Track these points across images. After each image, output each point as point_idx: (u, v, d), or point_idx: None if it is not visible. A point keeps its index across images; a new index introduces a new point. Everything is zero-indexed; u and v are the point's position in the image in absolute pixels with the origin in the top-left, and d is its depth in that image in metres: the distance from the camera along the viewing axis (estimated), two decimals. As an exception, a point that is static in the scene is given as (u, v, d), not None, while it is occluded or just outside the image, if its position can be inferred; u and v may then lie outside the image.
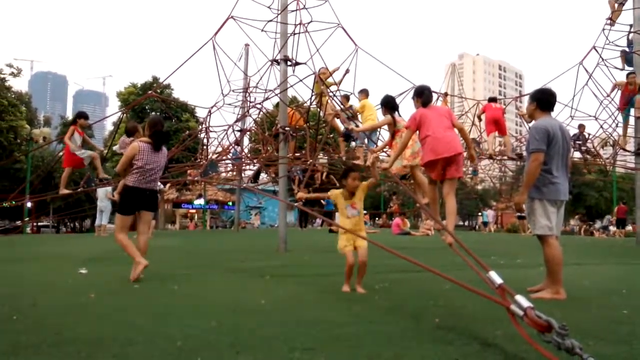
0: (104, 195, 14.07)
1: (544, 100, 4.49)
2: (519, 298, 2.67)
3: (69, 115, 44.92)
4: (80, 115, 9.42)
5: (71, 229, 36.24)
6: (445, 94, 17.60)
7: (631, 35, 12.10)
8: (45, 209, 27.15)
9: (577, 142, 13.40)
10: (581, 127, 13.52)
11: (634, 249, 11.28)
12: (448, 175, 5.39)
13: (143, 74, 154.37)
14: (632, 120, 11.84)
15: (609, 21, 12.41)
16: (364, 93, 10.10)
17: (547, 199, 4.38)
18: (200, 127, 17.28)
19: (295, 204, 8.51)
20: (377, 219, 35.16)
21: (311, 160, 10.58)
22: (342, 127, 11.29)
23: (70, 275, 5.84)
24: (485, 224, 31.12)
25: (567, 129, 4.68)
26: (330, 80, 10.86)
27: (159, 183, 5.92)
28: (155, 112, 30.69)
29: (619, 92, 11.99)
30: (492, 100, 12.78)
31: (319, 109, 11.42)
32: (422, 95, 5.58)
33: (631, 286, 5.09)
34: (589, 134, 13.72)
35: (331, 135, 13.54)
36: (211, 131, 14.06)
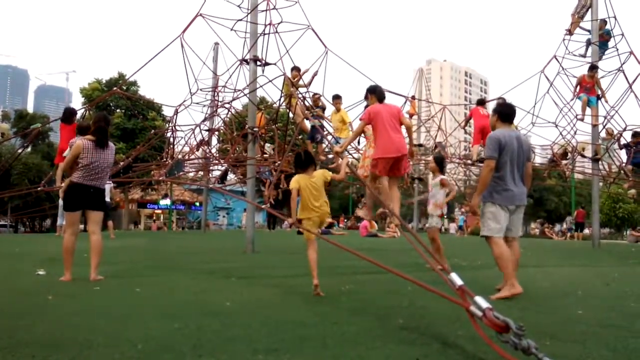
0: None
1: (504, 113, 4.94)
2: (478, 299, 2.74)
3: (30, 111, 43.26)
4: (75, 113, 9.79)
5: (30, 228, 34.97)
6: (413, 97, 17.92)
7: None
8: (2, 208, 26.12)
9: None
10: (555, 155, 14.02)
11: (591, 252, 11.72)
12: (396, 174, 6.07)
13: (108, 70, 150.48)
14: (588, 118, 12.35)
15: (567, 32, 12.89)
16: (340, 99, 10.22)
17: (498, 204, 4.70)
18: (167, 125, 16.98)
19: (263, 205, 8.48)
20: (346, 221, 35.37)
21: (279, 162, 10.54)
22: (309, 127, 11.30)
23: (27, 277, 5.66)
24: (460, 227, 31.67)
25: (526, 139, 5.03)
26: (299, 82, 10.86)
27: (110, 183, 5.88)
28: (121, 110, 30.02)
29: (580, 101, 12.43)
30: (481, 103, 11.64)
31: (288, 110, 11.39)
32: (376, 92, 6.07)
33: (586, 288, 5.29)
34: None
35: (300, 137, 13.53)
36: (178, 130, 13.82)
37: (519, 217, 4.82)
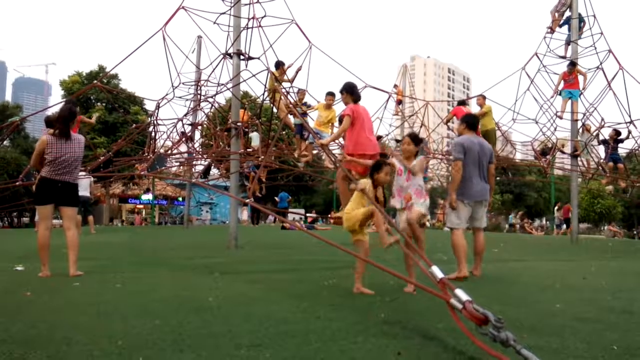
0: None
1: (470, 122, 5.89)
2: (459, 292, 2.77)
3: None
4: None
5: (8, 223, 34.28)
6: (395, 86, 18.10)
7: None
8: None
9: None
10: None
11: (569, 246, 11.93)
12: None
13: (89, 62, 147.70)
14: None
15: (549, 30, 13.06)
16: (334, 97, 10.20)
17: (460, 200, 5.57)
18: (149, 119, 16.76)
19: (247, 200, 8.43)
20: (329, 215, 35.42)
21: (262, 157, 10.50)
22: (294, 123, 11.30)
23: (5, 273, 5.56)
24: None
25: (488, 145, 5.87)
26: (283, 77, 10.82)
27: (90, 177, 5.80)
28: (102, 103, 29.57)
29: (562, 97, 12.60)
30: (462, 103, 12.34)
31: (271, 105, 11.35)
32: (354, 93, 6.10)
33: (564, 282, 5.39)
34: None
35: (284, 132, 13.50)
36: (160, 124, 13.65)
37: (483, 210, 5.69)
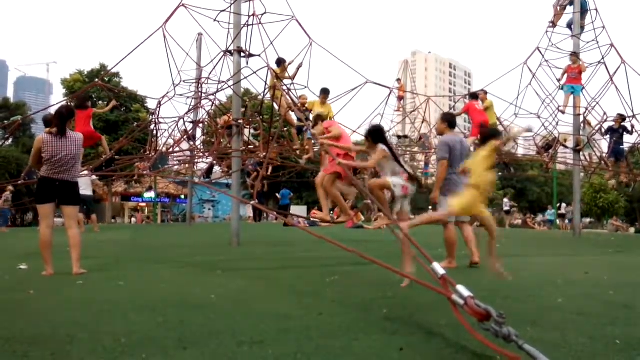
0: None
1: (451, 121, 6.09)
2: (460, 288, 2.77)
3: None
4: (88, 98, 10.03)
5: (12, 222, 34.36)
6: (398, 80, 18.06)
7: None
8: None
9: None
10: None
11: (572, 241, 11.92)
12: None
13: (90, 61, 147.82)
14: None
15: (551, 24, 13.01)
16: (328, 94, 10.22)
17: (447, 195, 5.68)
18: (150, 118, 16.77)
19: (252, 202, 8.44)
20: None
21: (264, 154, 10.50)
22: (296, 120, 11.31)
23: (8, 271, 5.58)
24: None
25: (466, 142, 6.23)
26: (284, 74, 10.81)
27: (92, 175, 5.86)
28: (103, 102, 29.54)
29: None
30: (474, 97, 11.27)
31: (272, 102, 11.34)
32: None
33: (566, 276, 5.38)
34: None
35: (285, 129, 13.48)
36: (161, 122, 13.65)
37: None
